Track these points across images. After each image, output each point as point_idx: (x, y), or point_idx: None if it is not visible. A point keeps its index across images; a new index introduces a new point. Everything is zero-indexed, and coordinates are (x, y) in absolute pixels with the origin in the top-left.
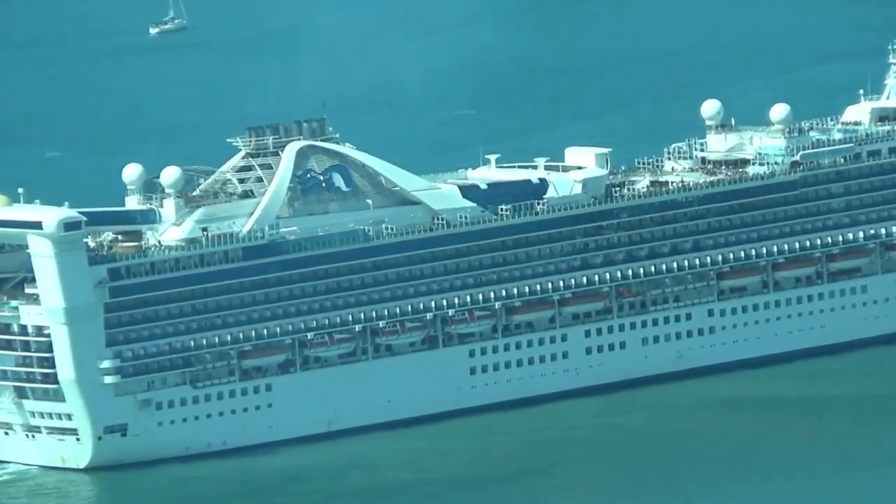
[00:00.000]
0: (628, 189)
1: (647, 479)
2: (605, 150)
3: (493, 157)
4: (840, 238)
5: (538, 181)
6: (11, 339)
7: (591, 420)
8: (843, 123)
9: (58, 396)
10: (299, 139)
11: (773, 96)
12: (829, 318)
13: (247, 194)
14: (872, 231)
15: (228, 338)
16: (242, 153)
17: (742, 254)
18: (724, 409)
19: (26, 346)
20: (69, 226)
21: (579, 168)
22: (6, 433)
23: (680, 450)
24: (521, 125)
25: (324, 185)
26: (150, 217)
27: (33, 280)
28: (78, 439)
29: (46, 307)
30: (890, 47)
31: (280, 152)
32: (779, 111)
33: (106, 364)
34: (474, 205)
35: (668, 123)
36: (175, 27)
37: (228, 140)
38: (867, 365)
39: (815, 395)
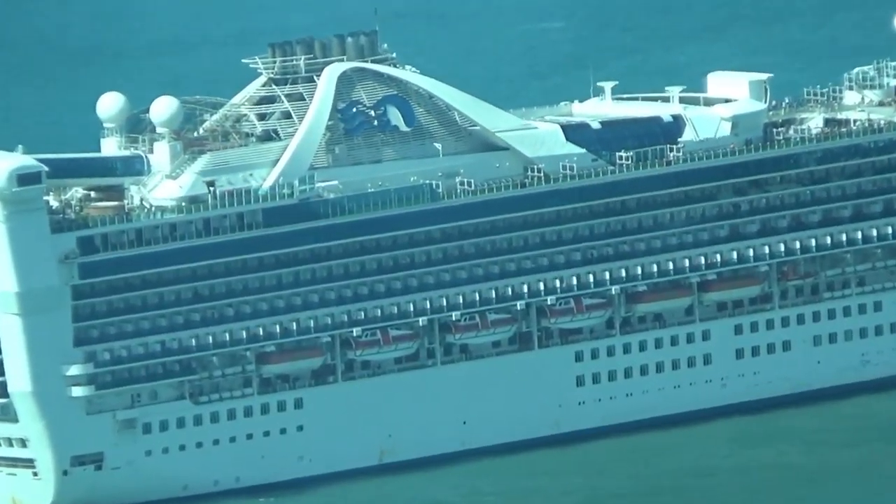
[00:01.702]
0: (795, 130)
1: None
2: (764, 76)
3: (608, 85)
4: None
5: (671, 119)
6: None
7: (733, 450)
8: None
9: (7, 415)
10: (342, 60)
11: None
12: None
13: (269, 135)
14: None
15: (244, 335)
16: (263, 79)
17: None
18: None
19: None
20: (24, 178)
21: (727, 101)
22: None
23: (849, 497)
24: (633, 42)
25: (375, 122)
26: (135, 166)
27: None
28: (35, 474)
29: None
30: None
31: (315, 77)
32: None
33: (74, 370)
34: (583, 151)
35: (843, 40)
36: None
37: (244, 61)
38: None
39: None
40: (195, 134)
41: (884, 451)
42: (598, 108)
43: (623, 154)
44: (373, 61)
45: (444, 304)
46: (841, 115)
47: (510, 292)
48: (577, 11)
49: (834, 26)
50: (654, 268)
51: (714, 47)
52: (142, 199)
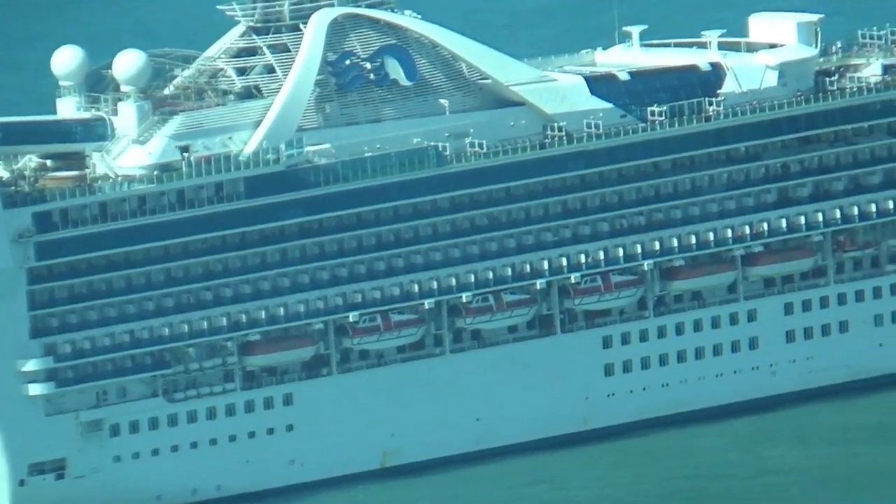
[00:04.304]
0: (850, 78)
1: None
2: (814, 17)
3: (635, 30)
4: None
5: (709, 67)
6: None
7: (759, 448)
8: None
9: None
10: (332, 5)
11: None
12: None
13: (250, 92)
14: None
15: (224, 322)
16: (242, 28)
17: None
18: None
19: None
20: None
21: (772, 46)
22: None
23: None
24: None
25: (372, 76)
26: (97, 131)
27: None
28: None
29: None
30: None
31: (302, 25)
32: None
33: (31, 365)
34: (610, 106)
35: None
36: None
37: (219, 7)
38: None
39: None
40: (165, 92)
41: None
42: (625, 57)
43: (655, 109)
44: (367, 6)
45: (454, 284)
46: None
47: (528, 269)
48: None
49: None
50: (693, 239)
51: None
52: (106, 168)
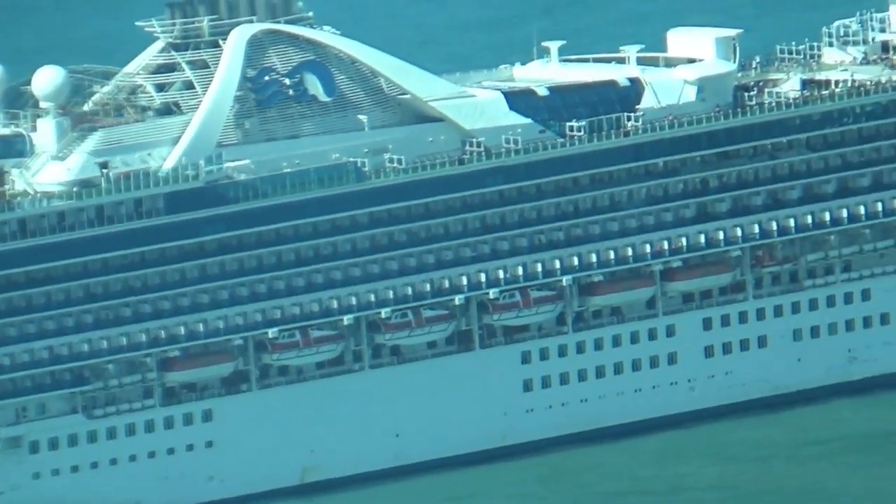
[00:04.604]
0: (769, 93)
1: None
2: (732, 33)
3: (554, 46)
4: None
5: (628, 83)
6: None
7: (671, 464)
8: None
9: None
10: (251, 21)
11: None
12: None
13: (169, 109)
14: None
15: (143, 338)
16: (161, 44)
17: None
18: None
19: None
20: None
21: (691, 61)
22: None
23: None
24: None
25: (291, 92)
26: (15, 147)
27: None
28: None
29: None
30: None
31: (221, 42)
32: None
33: None
34: (528, 121)
35: None
36: None
37: (138, 24)
38: None
39: None
40: (84, 108)
41: (837, 467)
42: (544, 72)
43: (574, 124)
44: (286, 22)
45: (373, 299)
46: (820, 76)
47: (447, 285)
48: None
49: None
50: (611, 254)
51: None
52: (25, 185)
